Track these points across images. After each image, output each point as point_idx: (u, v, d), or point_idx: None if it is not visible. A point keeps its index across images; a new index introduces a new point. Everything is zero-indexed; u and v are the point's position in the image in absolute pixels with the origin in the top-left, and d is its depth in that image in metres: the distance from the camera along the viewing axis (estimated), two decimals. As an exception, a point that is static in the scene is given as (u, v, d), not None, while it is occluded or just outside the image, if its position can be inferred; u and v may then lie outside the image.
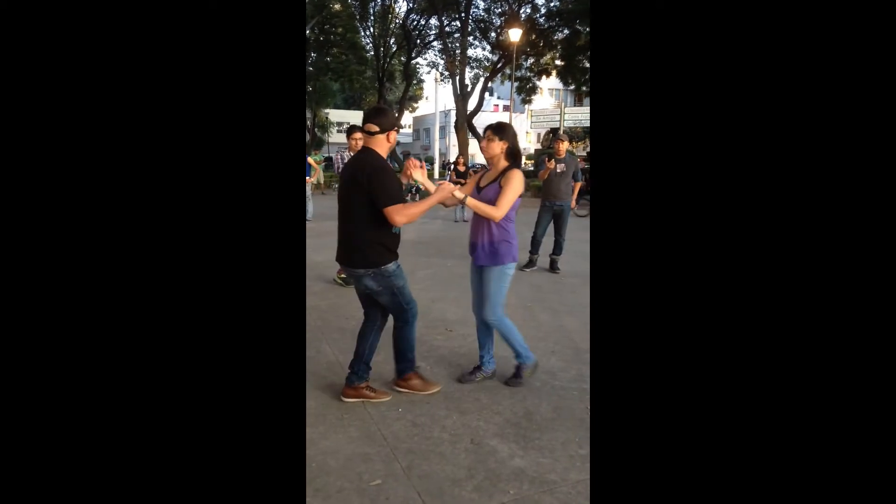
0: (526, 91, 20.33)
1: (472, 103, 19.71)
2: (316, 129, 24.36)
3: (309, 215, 8.68)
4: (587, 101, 20.65)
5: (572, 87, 19.95)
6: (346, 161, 3.79)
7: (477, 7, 19.40)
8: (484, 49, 21.14)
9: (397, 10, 22.65)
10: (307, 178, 8.53)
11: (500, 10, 19.28)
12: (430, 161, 20.78)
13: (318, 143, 22.77)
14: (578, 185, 5.50)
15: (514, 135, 2.48)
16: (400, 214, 2.11)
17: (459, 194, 2.33)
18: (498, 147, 2.39)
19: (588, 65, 17.05)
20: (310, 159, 8.94)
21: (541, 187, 5.51)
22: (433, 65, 23.67)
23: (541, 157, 7.98)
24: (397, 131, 2.29)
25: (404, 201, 2.17)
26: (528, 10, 18.54)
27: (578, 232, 6.78)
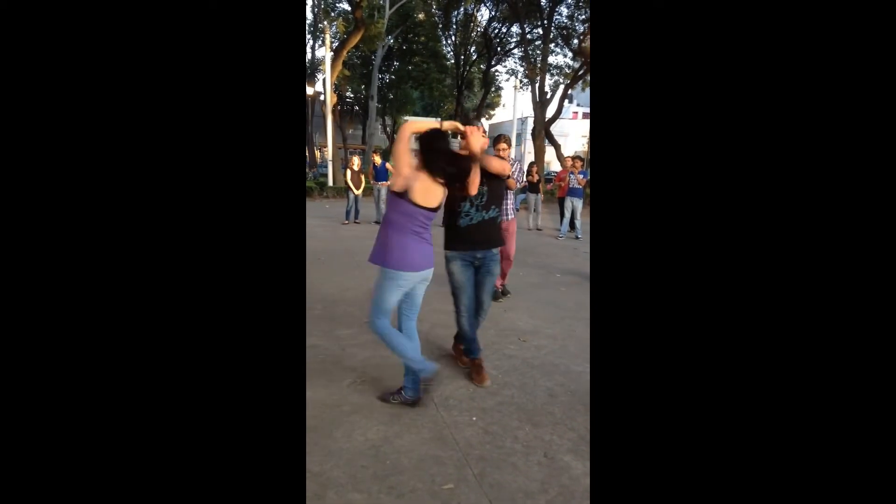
0: (607, 98, 19.69)
1: (550, 110, 19.42)
2: (394, 135, 25.15)
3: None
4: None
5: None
6: None
7: (560, 14, 19.12)
8: (565, 56, 20.81)
9: (479, 18, 22.89)
10: (383, 182, 8.82)
11: (583, 16, 18.91)
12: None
13: (396, 149, 23.46)
14: None
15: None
16: None
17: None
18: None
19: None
20: (388, 165, 9.12)
21: None
22: (512, 72, 23.63)
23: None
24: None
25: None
26: (613, 16, 18.01)
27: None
